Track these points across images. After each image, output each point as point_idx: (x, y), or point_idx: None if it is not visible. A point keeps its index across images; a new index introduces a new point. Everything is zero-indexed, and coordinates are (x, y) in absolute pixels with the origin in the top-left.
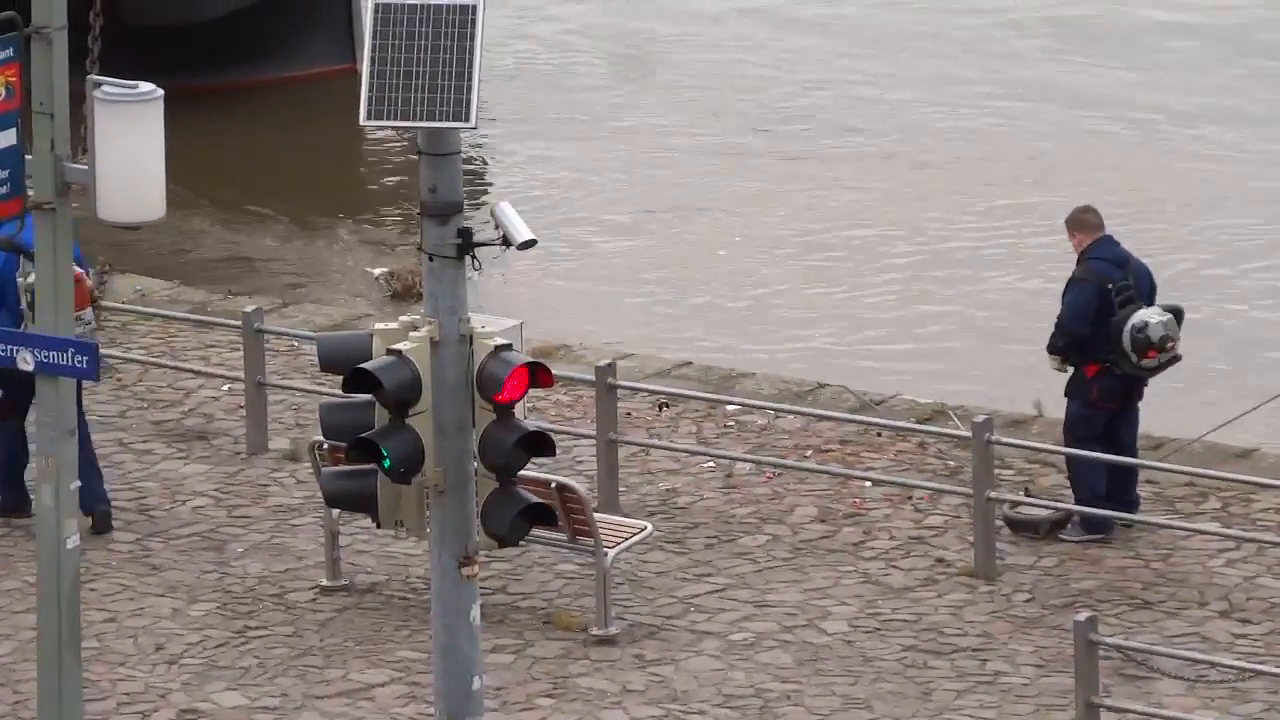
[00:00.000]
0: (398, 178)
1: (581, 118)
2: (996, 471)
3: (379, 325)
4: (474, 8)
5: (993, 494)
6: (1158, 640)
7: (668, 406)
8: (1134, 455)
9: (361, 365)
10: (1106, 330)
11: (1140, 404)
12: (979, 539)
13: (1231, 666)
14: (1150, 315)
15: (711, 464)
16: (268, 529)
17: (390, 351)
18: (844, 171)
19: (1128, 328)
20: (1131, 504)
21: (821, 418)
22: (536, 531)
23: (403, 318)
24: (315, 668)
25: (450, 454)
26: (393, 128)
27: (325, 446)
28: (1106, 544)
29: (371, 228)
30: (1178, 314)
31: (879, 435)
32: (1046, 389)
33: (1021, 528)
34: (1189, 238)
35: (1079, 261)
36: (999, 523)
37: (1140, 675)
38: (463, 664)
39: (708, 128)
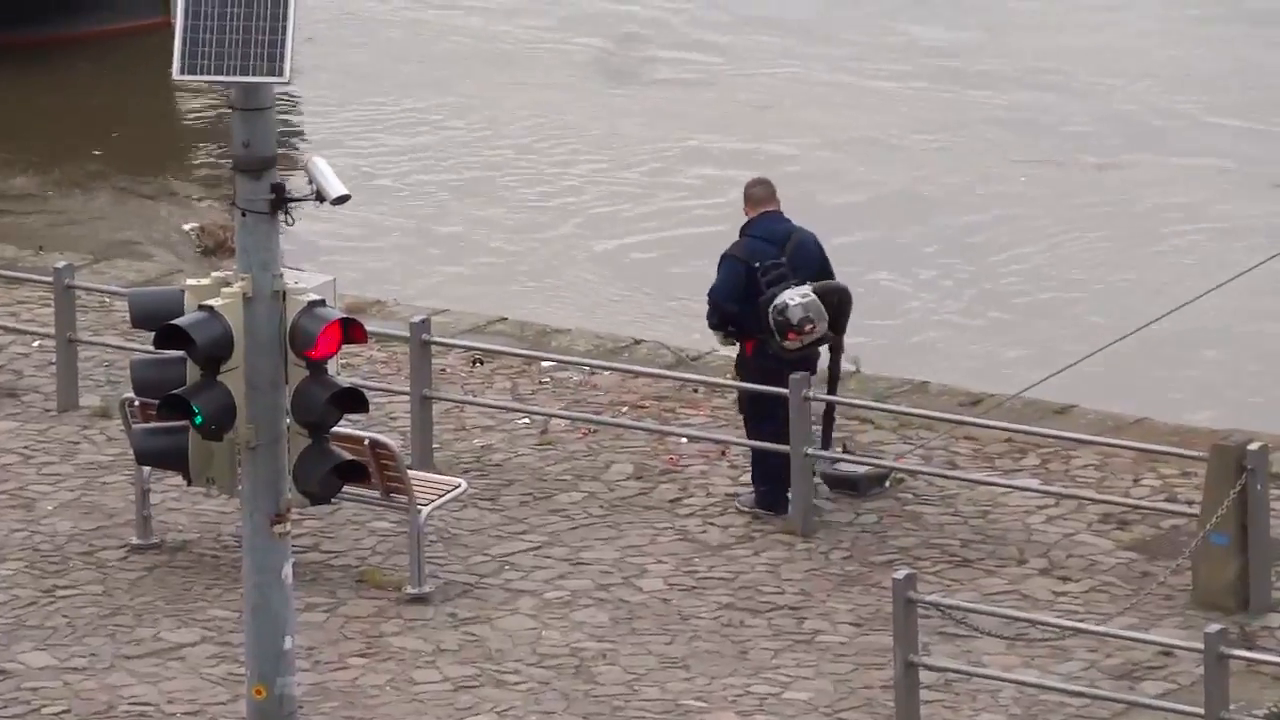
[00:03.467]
0: (212, 132)
1: (405, 71)
2: (814, 427)
3: (191, 281)
4: None
5: (810, 450)
6: (977, 598)
7: (482, 363)
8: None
9: (173, 321)
10: (756, 308)
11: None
12: (797, 495)
13: (1052, 624)
14: (792, 296)
15: (526, 420)
16: (78, 487)
17: (202, 307)
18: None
19: (771, 308)
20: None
21: (637, 374)
22: (349, 489)
23: (215, 273)
24: (125, 627)
25: (262, 411)
26: (206, 82)
27: (136, 403)
28: (921, 500)
29: (184, 182)
30: (843, 294)
31: (695, 391)
32: (864, 344)
33: (839, 484)
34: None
35: (740, 234)
36: (817, 479)
37: (960, 633)
38: (274, 623)
39: (532, 85)
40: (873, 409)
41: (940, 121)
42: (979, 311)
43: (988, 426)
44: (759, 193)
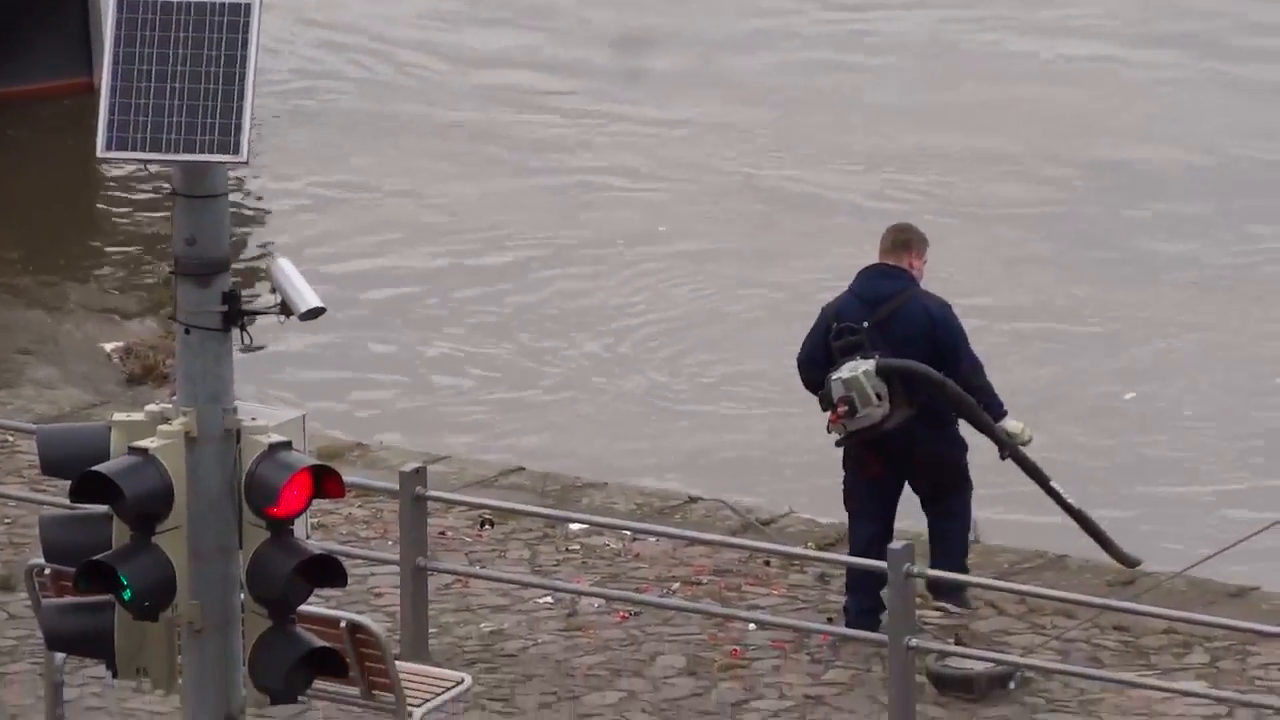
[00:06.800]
0: (145, 224)
1: (393, 147)
2: (919, 612)
3: (119, 416)
4: (247, 6)
5: (914, 641)
6: None
7: (492, 524)
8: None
9: (95, 467)
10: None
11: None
12: (896, 700)
13: None
14: (845, 370)
15: (549, 599)
16: None
17: (133, 449)
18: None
19: (825, 380)
20: (866, 615)
21: (692, 541)
22: (321, 684)
23: (150, 406)
24: None
25: (210, 583)
26: (139, 161)
27: (47, 572)
28: (1057, 707)
29: (110, 289)
30: (930, 384)
31: (767, 564)
32: (978, 505)
33: (952, 685)
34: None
35: None
36: (921, 679)
37: None
38: None
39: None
40: (994, 588)
41: None
42: (1128, 460)
43: (1142, 613)
44: (883, 242)
